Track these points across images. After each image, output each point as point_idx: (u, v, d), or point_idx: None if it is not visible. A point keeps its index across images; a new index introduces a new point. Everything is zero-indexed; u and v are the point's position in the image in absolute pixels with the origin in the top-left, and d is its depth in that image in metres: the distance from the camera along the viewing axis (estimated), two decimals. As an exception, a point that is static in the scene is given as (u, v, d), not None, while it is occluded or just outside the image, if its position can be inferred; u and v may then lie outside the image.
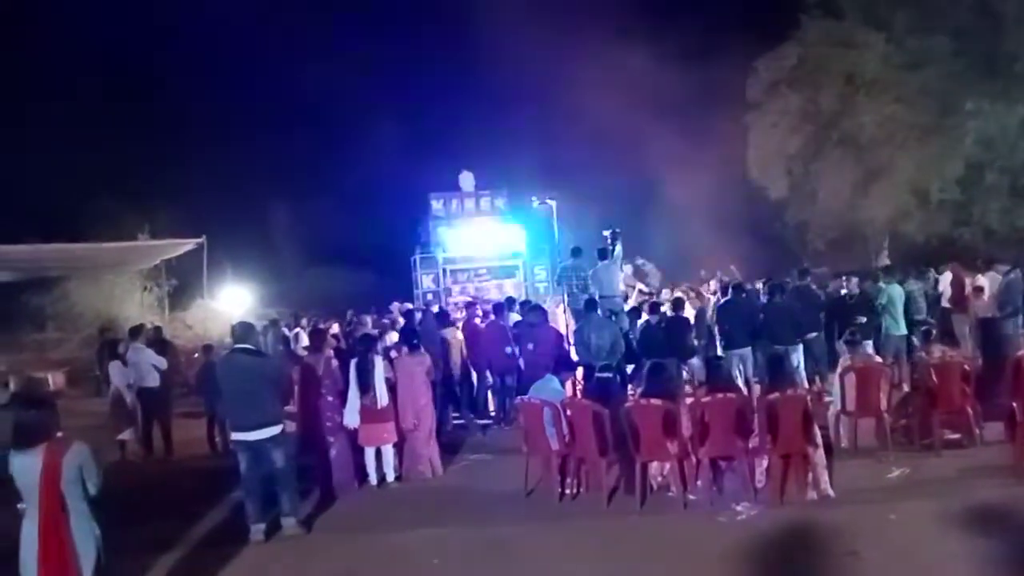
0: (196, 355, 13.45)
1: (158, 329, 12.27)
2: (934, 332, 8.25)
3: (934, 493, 6.22)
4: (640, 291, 13.63)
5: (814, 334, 10.23)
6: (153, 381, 9.80)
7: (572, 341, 9.99)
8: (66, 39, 22.41)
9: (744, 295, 10.67)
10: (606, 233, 11.36)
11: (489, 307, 11.72)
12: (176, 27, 25.23)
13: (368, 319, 13.05)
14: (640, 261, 15.60)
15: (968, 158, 16.64)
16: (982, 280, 11.73)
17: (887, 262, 13.30)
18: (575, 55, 20.22)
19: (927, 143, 17.07)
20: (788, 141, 19.49)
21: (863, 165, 18.13)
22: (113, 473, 9.05)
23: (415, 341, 8.18)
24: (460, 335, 10.61)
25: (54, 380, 15.66)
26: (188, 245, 16.15)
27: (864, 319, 9.94)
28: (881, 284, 10.73)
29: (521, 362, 9.95)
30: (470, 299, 13.52)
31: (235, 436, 6.36)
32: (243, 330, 6.64)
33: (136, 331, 10.61)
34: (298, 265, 24.32)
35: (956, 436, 7.29)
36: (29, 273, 16.58)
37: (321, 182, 25.21)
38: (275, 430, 6.29)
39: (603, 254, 11.07)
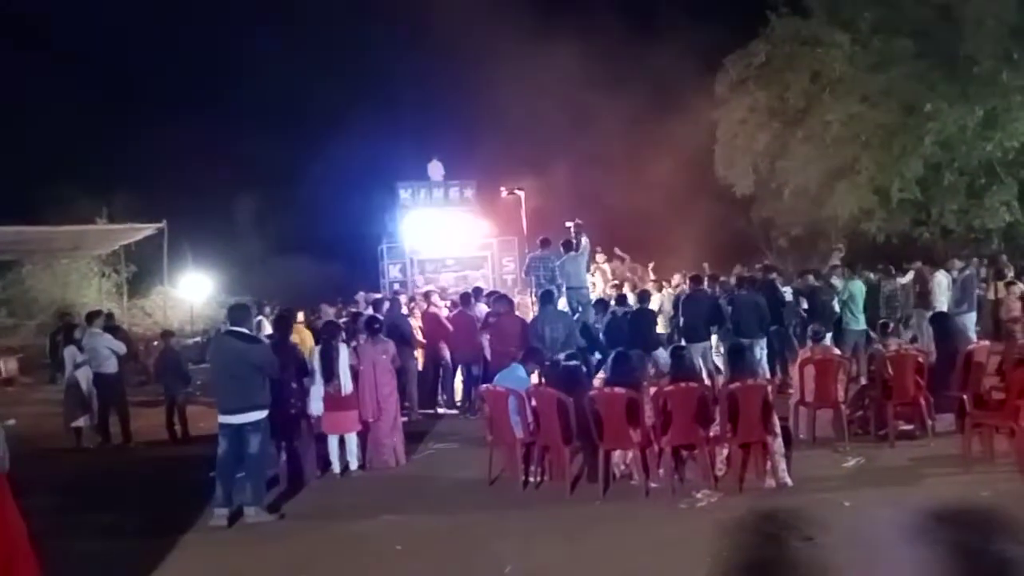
0: (155, 343, 13.21)
1: (110, 315, 11.99)
2: (891, 326, 8.44)
3: (887, 482, 6.39)
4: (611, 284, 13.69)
5: (774, 327, 10.41)
6: (110, 367, 9.56)
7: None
8: (23, 18, 21.73)
9: (704, 289, 10.81)
10: (569, 225, 11.41)
11: (456, 297, 11.70)
12: (139, 10, 24.64)
13: (330, 310, 12.91)
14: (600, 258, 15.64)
15: (928, 158, 17.03)
16: (940, 277, 12.11)
17: (836, 262, 13.57)
18: (544, 48, 20.20)
19: (890, 143, 17.42)
20: (755, 138, 19.73)
21: (828, 163, 18.43)
22: (68, 461, 8.92)
23: (377, 328, 8.12)
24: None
25: (6, 366, 15.24)
26: (147, 230, 15.76)
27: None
28: (835, 281, 11.01)
29: (487, 352, 9.96)
30: (430, 288, 13.43)
31: (221, 419, 6.28)
32: (238, 313, 6.55)
33: (93, 316, 10.35)
34: (262, 253, 23.98)
35: (910, 427, 7.49)
36: (-19, 257, 16.09)
37: (287, 169, 24.86)
38: (259, 415, 6.24)
39: (568, 246, 11.09)
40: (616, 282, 13.87)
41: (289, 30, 24.94)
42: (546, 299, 9.58)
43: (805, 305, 11.12)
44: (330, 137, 23.47)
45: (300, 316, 13.10)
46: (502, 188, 17.06)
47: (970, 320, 11.49)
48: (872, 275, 12.65)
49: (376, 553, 5.55)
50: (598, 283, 13.98)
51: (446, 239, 17.84)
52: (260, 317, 13.61)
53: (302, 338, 9.42)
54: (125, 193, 20.06)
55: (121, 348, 9.78)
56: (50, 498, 6.70)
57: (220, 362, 6.40)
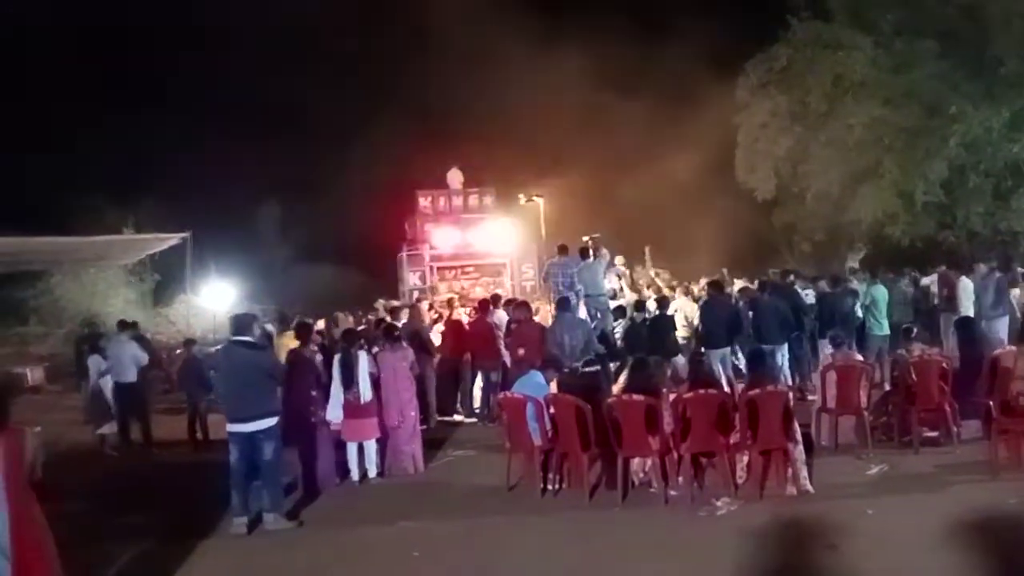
0: (178, 351, 13.36)
1: (134, 324, 12.20)
2: (915, 331, 8.30)
3: (911, 489, 6.28)
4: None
5: (795, 333, 10.28)
6: (130, 376, 9.69)
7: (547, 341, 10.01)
8: (51, 29, 22.23)
9: (724, 295, 10.72)
10: (586, 239, 11.47)
11: (475, 304, 11.72)
12: (165, 22, 25.09)
13: (350, 317, 12.97)
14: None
15: (952, 160, 16.78)
16: (965, 281, 11.89)
17: (855, 265, 13.39)
18: (564, 55, 20.26)
19: (913, 146, 17.19)
20: (776, 142, 19.59)
21: (851, 167, 18.24)
22: (93, 467, 9.05)
23: (396, 335, 8.16)
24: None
25: (32, 375, 15.51)
26: (172, 240, 15.97)
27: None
28: (855, 286, 10.85)
29: (508, 359, 9.96)
30: (452, 296, 13.48)
31: (230, 427, 6.33)
32: (242, 322, 6.60)
33: (123, 324, 10.59)
34: (283, 262, 24.24)
35: (934, 434, 7.35)
36: (11, 266, 16.40)
37: (309, 178, 25.14)
38: (270, 422, 6.28)
39: (585, 253, 11.11)
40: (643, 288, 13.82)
41: (311, 40, 25.24)
42: (563, 306, 9.56)
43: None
44: (351, 146, 23.73)
45: (320, 324, 13.23)
46: (521, 195, 17.07)
47: (1002, 324, 11.21)
48: (894, 277, 12.46)
49: (394, 559, 5.56)
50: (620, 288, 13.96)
51: (465, 247, 17.87)
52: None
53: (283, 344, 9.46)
54: (150, 204, 20.39)
55: (144, 359, 9.91)
56: (75, 503, 6.79)
57: (230, 371, 6.42)
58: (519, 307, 10.42)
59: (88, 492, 7.53)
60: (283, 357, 8.04)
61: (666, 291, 13.01)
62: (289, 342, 9.53)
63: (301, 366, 7.56)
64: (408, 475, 7.69)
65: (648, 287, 13.69)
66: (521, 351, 9.38)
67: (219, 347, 8.38)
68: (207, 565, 5.63)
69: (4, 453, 3.98)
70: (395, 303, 14.38)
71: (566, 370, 8.03)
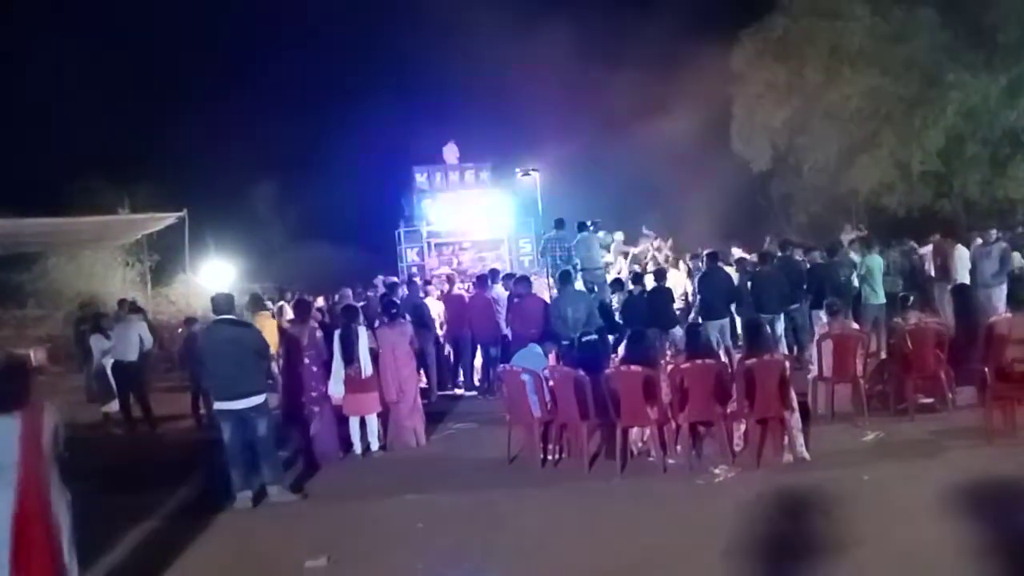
0: (179, 330, 13.40)
1: (133, 303, 12.22)
2: (911, 300, 8.35)
3: (907, 455, 6.36)
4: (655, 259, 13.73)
5: (796, 305, 10.33)
6: (133, 355, 9.75)
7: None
8: (46, 11, 21.94)
9: (721, 266, 10.76)
10: (588, 223, 11.54)
11: (474, 279, 11.76)
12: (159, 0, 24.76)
13: (349, 292, 13.00)
14: (646, 231, 15.54)
15: (949, 130, 16.73)
16: (961, 250, 11.90)
17: (852, 236, 13.36)
18: (557, 26, 20.05)
19: (911, 115, 17.12)
20: (773, 113, 19.47)
21: (848, 138, 18.16)
22: (98, 446, 9.12)
23: (395, 311, 8.20)
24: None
25: (36, 356, 15.55)
26: (169, 219, 15.94)
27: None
28: (854, 255, 10.87)
29: (509, 333, 10.02)
30: (449, 273, 13.53)
31: (218, 405, 6.38)
32: (224, 301, 6.62)
33: (123, 304, 10.64)
34: (282, 240, 24.20)
35: (930, 400, 7.44)
36: (8, 249, 16.36)
37: (305, 155, 25.01)
38: (259, 399, 6.33)
39: (583, 227, 11.14)
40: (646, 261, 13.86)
41: (304, 17, 24.95)
42: (566, 279, 9.62)
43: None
44: (346, 123, 23.59)
45: (320, 302, 13.26)
46: (517, 169, 17.03)
47: (1001, 292, 11.25)
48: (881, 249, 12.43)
49: (399, 531, 5.65)
50: (617, 262, 13.99)
51: (463, 222, 17.86)
52: (281, 303, 13.82)
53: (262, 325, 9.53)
54: (147, 183, 20.27)
55: (149, 339, 9.97)
56: (81, 483, 6.84)
57: (215, 350, 6.41)
58: (520, 282, 10.45)
59: (94, 471, 7.59)
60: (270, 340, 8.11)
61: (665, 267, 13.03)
62: (264, 322, 9.63)
63: (291, 344, 7.62)
64: (410, 449, 7.78)
65: (646, 261, 13.70)
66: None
67: (202, 327, 8.44)
68: (217, 540, 5.71)
69: (23, 429, 4.02)
70: (393, 279, 14.43)
71: (567, 343, 8.09)
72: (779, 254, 11.26)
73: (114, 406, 9.72)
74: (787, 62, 19.08)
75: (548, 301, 10.94)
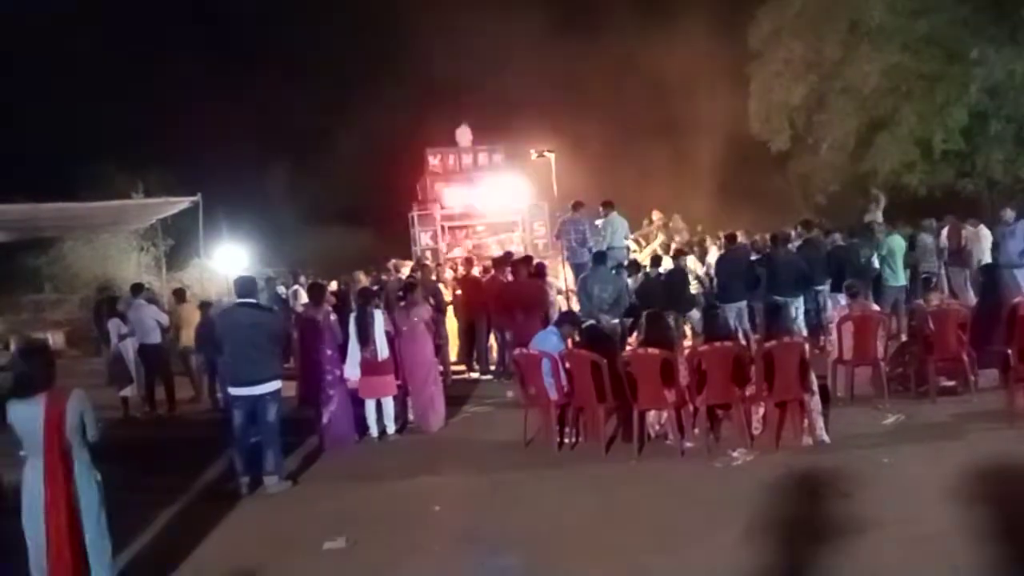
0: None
1: (147, 289, 12.31)
2: (934, 281, 8.22)
3: (928, 438, 6.29)
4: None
5: (822, 287, 10.19)
6: (154, 338, 9.84)
7: (576, 291, 10.11)
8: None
9: (739, 248, 10.66)
10: (601, 210, 11.57)
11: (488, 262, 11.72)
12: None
13: (361, 275, 13.00)
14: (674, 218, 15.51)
15: (972, 107, 16.37)
16: (983, 230, 11.68)
17: (876, 217, 13.08)
18: (574, 6, 19.80)
19: (932, 92, 16.76)
20: (791, 92, 19.11)
21: (867, 116, 17.84)
22: (115, 430, 9.20)
23: (412, 294, 8.18)
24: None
25: (54, 340, 15.74)
26: (183, 203, 15.95)
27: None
28: (879, 236, 10.70)
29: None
30: (467, 255, 13.49)
31: (233, 391, 6.38)
32: (245, 284, 6.62)
33: (137, 288, 10.69)
34: (295, 223, 24.19)
35: (951, 383, 7.34)
36: (24, 233, 16.47)
37: (318, 138, 24.92)
38: (274, 385, 6.32)
39: (609, 205, 11.31)
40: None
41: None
42: (600, 259, 9.76)
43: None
44: (360, 106, 23.45)
45: (333, 285, 13.26)
46: (532, 151, 16.86)
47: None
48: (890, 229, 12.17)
49: (416, 513, 5.67)
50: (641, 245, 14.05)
51: (476, 205, 17.76)
52: (296, 286, 13.86)
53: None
54: (160, 168, 20.34)
55: (165, 320, 10.03)
56: (101, 466, 6.94)
57: (234, 335, 6.36)
58: (517, 264, 10.33)
59: (113, 455, 7.66)
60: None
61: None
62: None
63: (307, 327, 7.62)
64: (426, 431, 7.79)
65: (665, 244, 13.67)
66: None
67: (217, 311, 8.48)
68: (237, 521, 5.77)
69: (46, 414, 4.04)
70: (407, 263, 14.40)
71: (590, 323, 8.04)
72: (805, 235, 11.13)
73: (131, 390, 9.78)
74: (804, 39, 18.70)
75: (559, 285, 11.00)
